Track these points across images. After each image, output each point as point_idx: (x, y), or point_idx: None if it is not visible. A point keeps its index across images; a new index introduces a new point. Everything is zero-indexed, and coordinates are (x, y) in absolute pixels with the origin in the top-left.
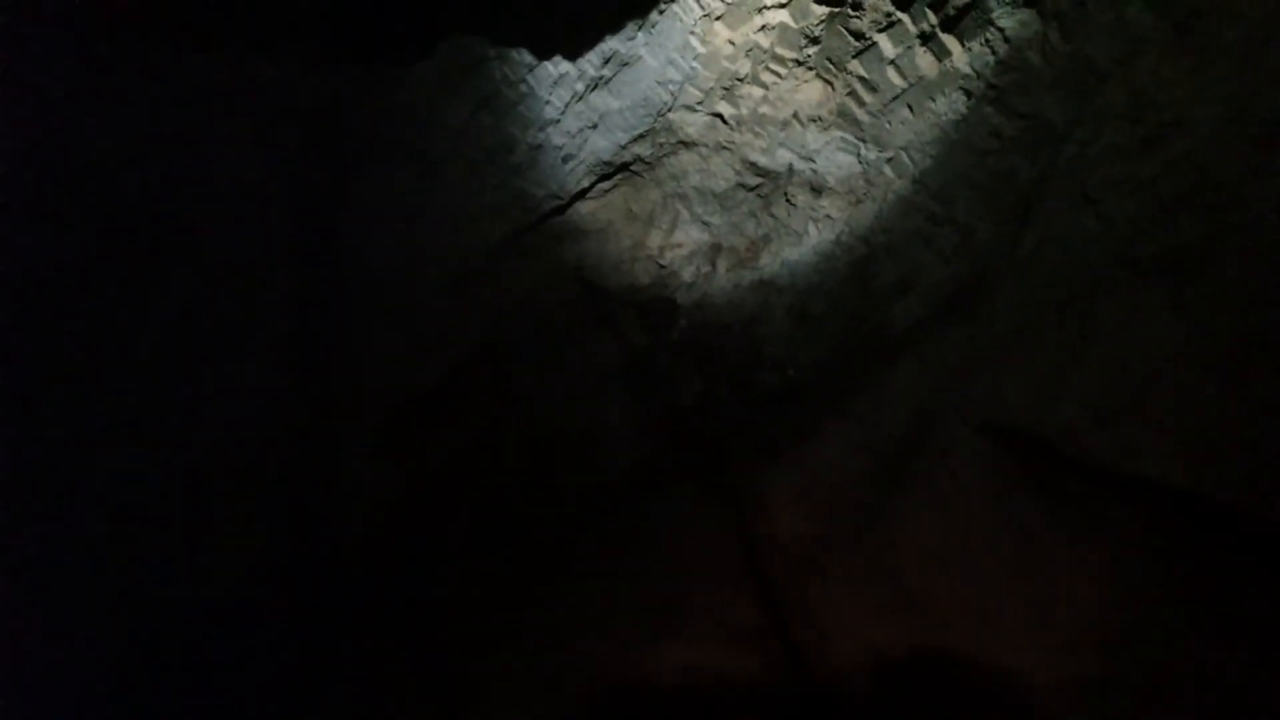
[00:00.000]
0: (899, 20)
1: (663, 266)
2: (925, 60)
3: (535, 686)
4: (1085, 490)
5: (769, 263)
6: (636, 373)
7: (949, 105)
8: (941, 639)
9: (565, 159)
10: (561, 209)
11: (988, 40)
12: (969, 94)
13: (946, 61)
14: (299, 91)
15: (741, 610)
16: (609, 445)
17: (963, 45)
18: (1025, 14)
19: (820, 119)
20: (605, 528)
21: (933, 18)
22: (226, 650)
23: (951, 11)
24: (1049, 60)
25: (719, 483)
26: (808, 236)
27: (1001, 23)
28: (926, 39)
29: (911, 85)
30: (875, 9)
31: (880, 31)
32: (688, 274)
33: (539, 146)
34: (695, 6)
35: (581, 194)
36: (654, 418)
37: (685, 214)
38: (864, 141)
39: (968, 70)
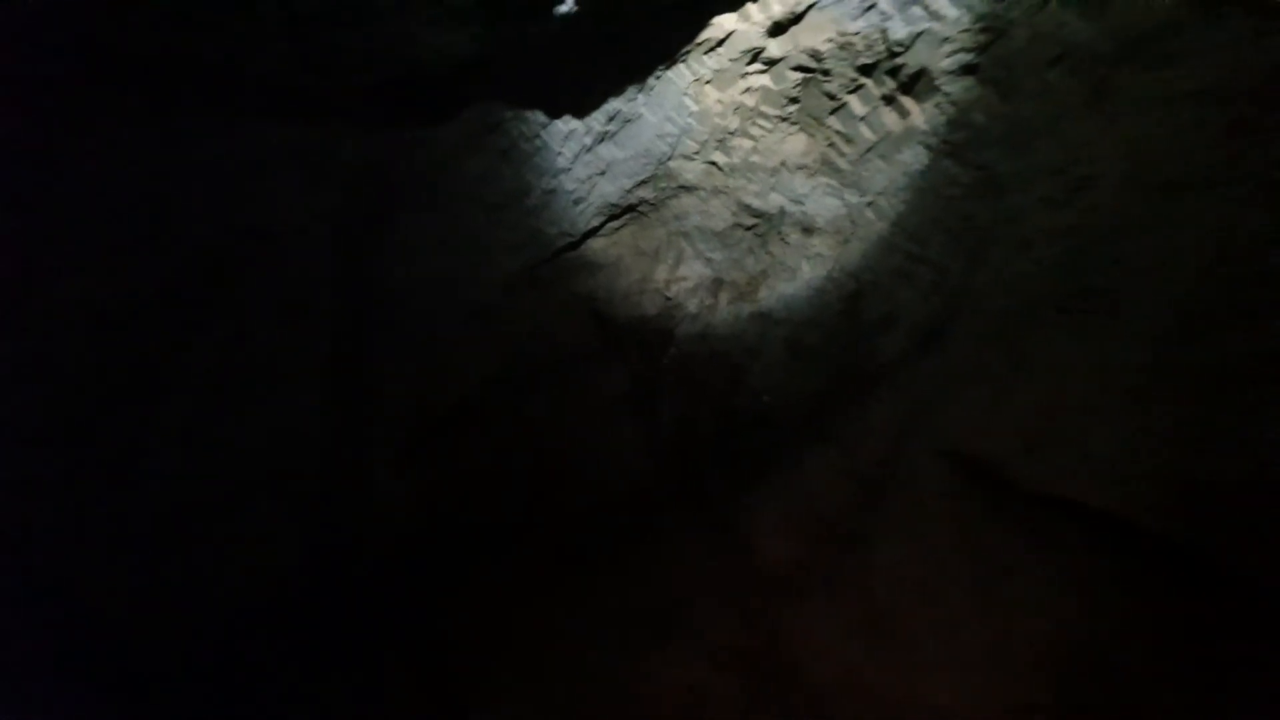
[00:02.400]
0: (864, 84)
1: (669, 299)
2: (890, 118)
3: (529, 699)
4: (1032, 515)
5: (767, 296)
6: (639, 401)
7: (914, 157)
8: (910, 660)
9: (576, 201)
10: (574, 245)
11: (938, 103)
12: (929, 148)
13: (908, 119)
14: (342, 150)
15: (727, 632)
16: (611, 469)
17: (919, 106)
18: (967, 80)
19: (806, 166)
20: (603, 549)
21: (890, 83)
22: (251, 651)
23: (905, 79)
24: (991, 119)
25: (711, 508)
26: (801, 272)
27: (947, 88)
28: (889, 100)
29: (881, 139)
30: (842, 75)
31: (849, 94)
32: (692, 305)
33: (552, 191)
34: (687, 72)
35: (592, 232)
36: (652, 444)
37: (689, 250)
38: (846, 187)
39: (925, 127)
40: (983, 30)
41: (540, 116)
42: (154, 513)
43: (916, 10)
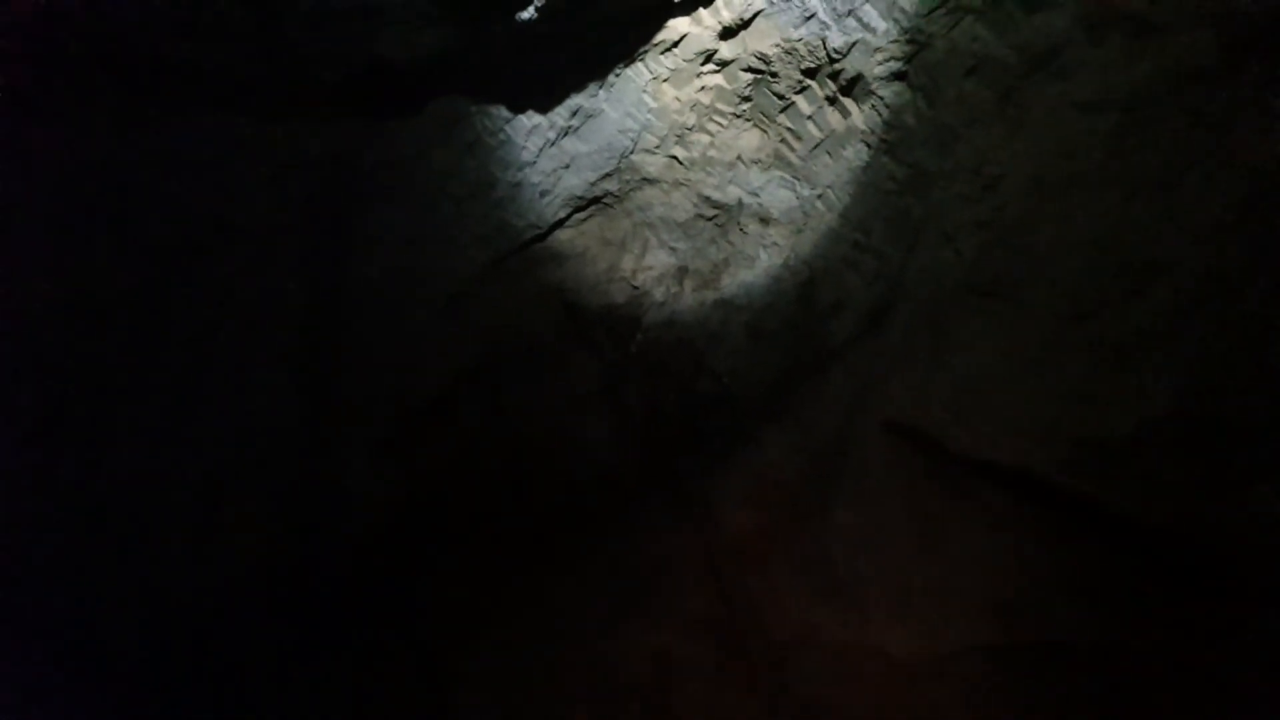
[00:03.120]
0: (809, 85)
1: (636, 288)
2: (834, 117)
3: (513, 675)
4: (964, 476)
5: (729, 284)
6: (609, 386)
7: (856, 153)
8: (862, 613)
9: (542, 194)
10: (542, 236)
11: (874, 105)
12: (869, 145)
13: (849, 119)
14: (309, 144)
15: (699, 601)
16: (586, 453)
17: (858, 107)
18: (897, 85)
19: (760, 161)
20: (581, 530)
21: (832, 85)
22: (228, 644)
23: (844, 82)
24: (920, 122)
25: (679, 486)
26: (759, 261)
27: (880, 92)
28: (832, 101)
29: (827, 136)
30: (789, 77)
31: (796, 94)
32: (659, 294)
33: (518, 184)
34: (645, 71)
35: (560, 223)
36: (622, 427)
37: (654, 240)
38: (798, 180)
39: (864, 127)
40: (909, 41)
41: (504, 111)
42: (128, 507)
43: (851, 21)
